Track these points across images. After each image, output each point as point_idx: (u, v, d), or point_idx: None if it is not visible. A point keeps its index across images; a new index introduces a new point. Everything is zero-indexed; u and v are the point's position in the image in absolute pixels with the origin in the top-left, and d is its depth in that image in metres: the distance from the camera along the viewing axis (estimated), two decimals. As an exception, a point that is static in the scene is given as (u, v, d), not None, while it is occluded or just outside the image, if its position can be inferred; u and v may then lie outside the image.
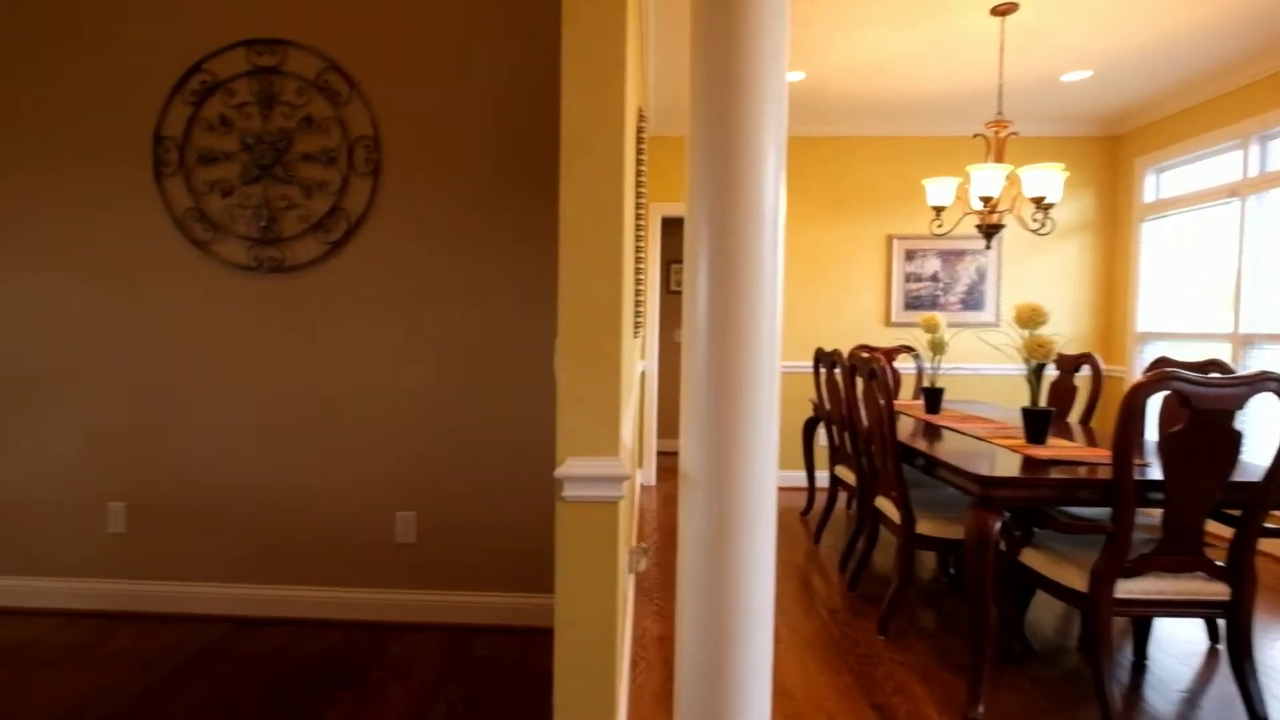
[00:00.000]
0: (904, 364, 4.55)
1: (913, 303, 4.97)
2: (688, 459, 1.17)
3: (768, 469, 1.18)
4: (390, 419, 2.54)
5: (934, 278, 4.95)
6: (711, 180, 1.18)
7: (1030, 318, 2.37)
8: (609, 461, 1.23)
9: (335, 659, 2.26)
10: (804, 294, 4.94)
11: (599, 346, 1.25)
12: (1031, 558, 2.15)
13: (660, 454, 5.58)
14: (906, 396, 4.83)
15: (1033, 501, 1.99)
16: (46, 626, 2.47)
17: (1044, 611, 2.74)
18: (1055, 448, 2.38)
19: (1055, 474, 2.01)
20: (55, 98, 2.59)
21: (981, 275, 4.92)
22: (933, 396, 3.40)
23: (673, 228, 5.81)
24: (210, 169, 2.58)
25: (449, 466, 2.54)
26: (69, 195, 2.60)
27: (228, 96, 2.57)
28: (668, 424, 5.94)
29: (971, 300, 4.94)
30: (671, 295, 6.28)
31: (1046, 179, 2.91)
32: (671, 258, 6.19)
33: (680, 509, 1.20)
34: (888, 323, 4.95)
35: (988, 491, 1.97)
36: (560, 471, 1.24)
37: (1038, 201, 2.96)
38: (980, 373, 4.86)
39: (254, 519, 2.59)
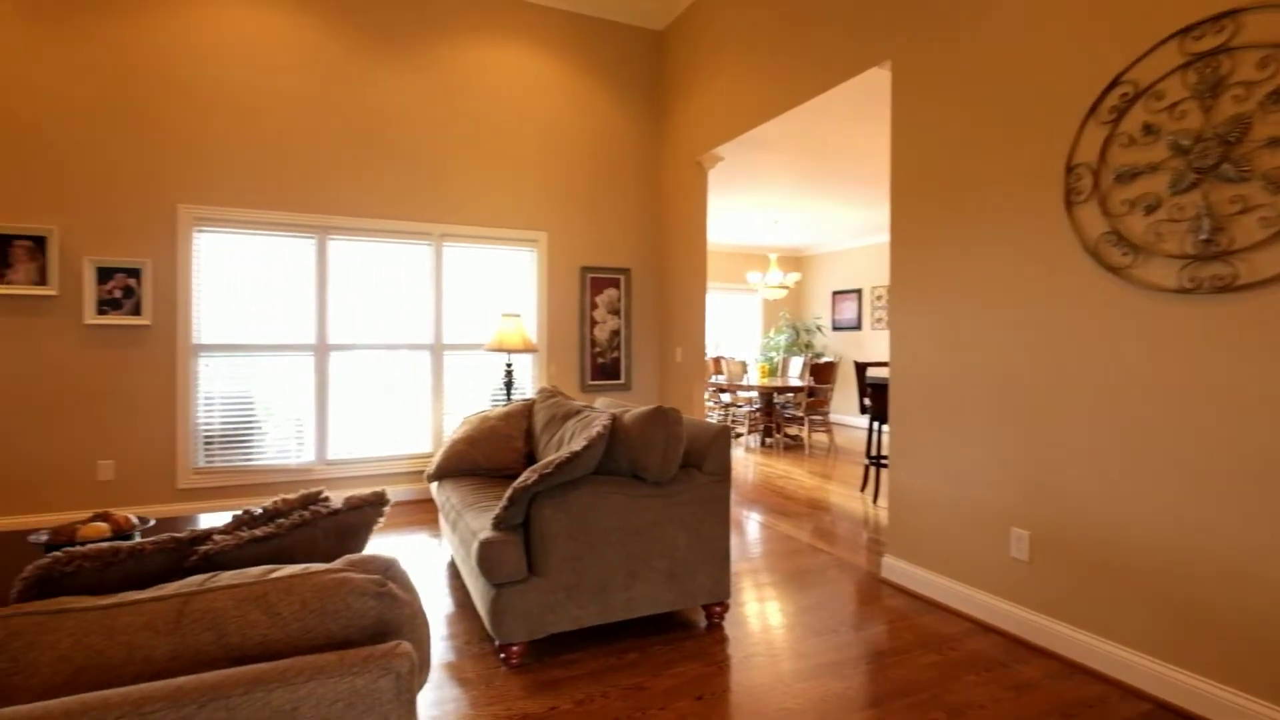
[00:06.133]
0: None
1: None
2: None
3: None
4: None
5: None
6: None
7: None
8: None
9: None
10: None
11: None
12: None
13: None
14: None
15: None
16: (961, 628, 2.75)
17: None
18: None
19: None
20: (969, 154, 2.91)
21: None
22: None
23: None
24: (1128, 187, 2.35)
25: None
26: (987, 236, 2.87)
27: (1152, 102, 2.28)
28: None
29: None
30: None
31: None
32: None
33: None
34: None
35: None
36: None
37: None
38: None
39: (1180, 587, 2.17)
